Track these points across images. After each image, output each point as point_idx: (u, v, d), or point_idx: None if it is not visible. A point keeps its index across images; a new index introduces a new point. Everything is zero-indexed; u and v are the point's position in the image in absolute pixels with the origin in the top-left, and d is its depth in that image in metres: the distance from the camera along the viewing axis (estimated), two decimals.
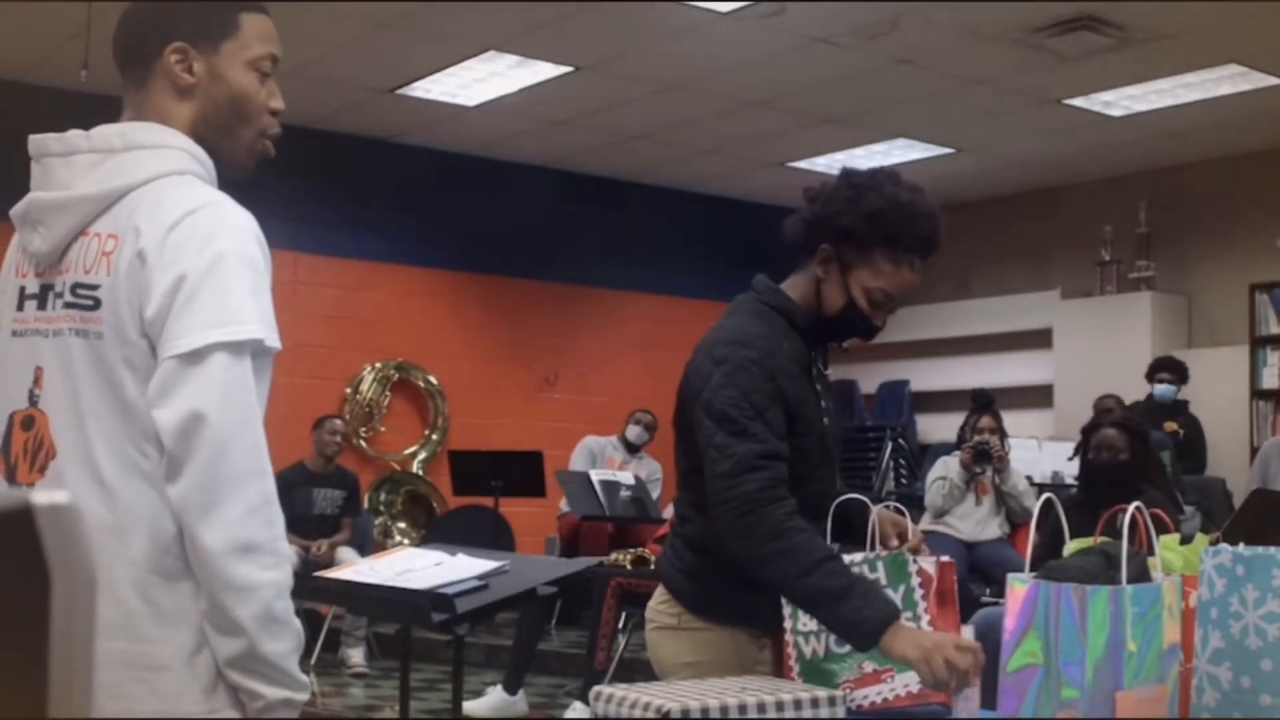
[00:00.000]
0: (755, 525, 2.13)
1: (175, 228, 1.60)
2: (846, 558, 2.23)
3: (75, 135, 1.71)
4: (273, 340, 1.63)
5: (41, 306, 1.72)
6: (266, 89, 1.78)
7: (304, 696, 1.64)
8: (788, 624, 2.27)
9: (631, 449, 8.57)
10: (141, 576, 1.61)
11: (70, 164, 1.70)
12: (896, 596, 2.26)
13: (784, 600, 2.26)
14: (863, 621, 2.06)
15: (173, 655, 1.60)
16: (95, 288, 1.65)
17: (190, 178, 1.69)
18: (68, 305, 1.68)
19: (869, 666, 2.23)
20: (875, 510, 2.43)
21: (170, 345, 1.58)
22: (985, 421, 6.96)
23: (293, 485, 7.26)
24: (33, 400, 1.70)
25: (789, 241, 2.42)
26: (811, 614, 2.19)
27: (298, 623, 1.62)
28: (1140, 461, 4.76)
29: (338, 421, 8.00)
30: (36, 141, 1.74)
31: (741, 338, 2.30)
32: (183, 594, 1.61)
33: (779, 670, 2.31)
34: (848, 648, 2.23)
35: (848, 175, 2.39)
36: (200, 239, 1.60)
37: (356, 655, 7.21)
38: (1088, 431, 4.97)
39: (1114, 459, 4.71)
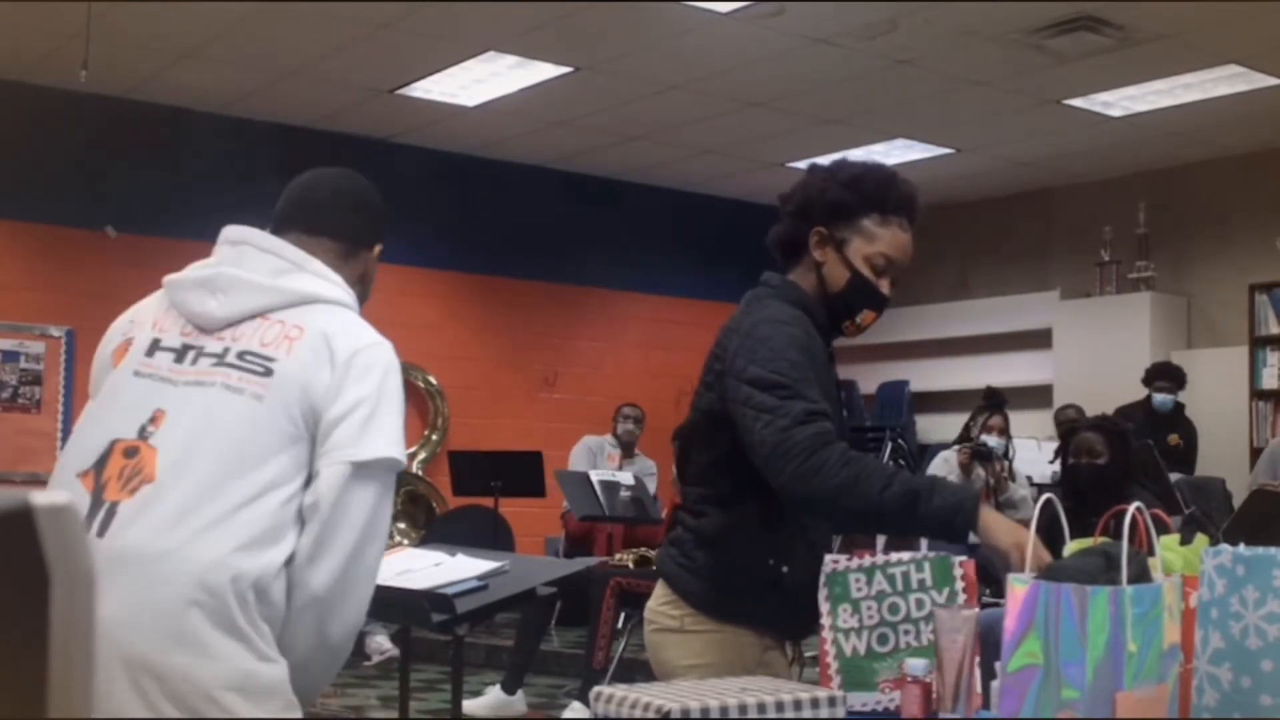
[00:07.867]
0: (823, 461, 2.15)
1: (361, 352, 1.98)
2: (894, 556, 2.25)
3: (275, 240, 2.06)
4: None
5: (179, 361, 1.98)
6: None
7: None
8: (825, 620, 2.22)
9: (627, 447, 8.56)
10: (200, 619, 1.83)
11: (265, 260, 2.03)
12: (941, 598, 2.25)
13: (821, 597, 2.23)
14: (961, 503, 2.14)
15: (226, 688, 1.83)
16: (271, 360, 1.96)
17: (355, 314, 2.08)
18: (228, 365, 1.96)
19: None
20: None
21: (348, 451, 1.91)
22: (995, 421, 6.95)
23: None
24: (143, 434, 1.93)
25: (779, 245, 2.48)
26: (903, 525, 2.23)
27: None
28: (1121, 463, 4.65)
29: None
30: (241, 231, 2.06)
31: (784, 317, 2.35)
32: (231, 637, 1.84)
33: (782, 673, 2.30)
34: (890, 646, 2.21)
35: (813, 166, 2.50)
36: (380, 370, 1.99)
37: (385, 641, 7.19)
38: (1066, 436, 4.90)
39: (1093, 463, 4.61)
